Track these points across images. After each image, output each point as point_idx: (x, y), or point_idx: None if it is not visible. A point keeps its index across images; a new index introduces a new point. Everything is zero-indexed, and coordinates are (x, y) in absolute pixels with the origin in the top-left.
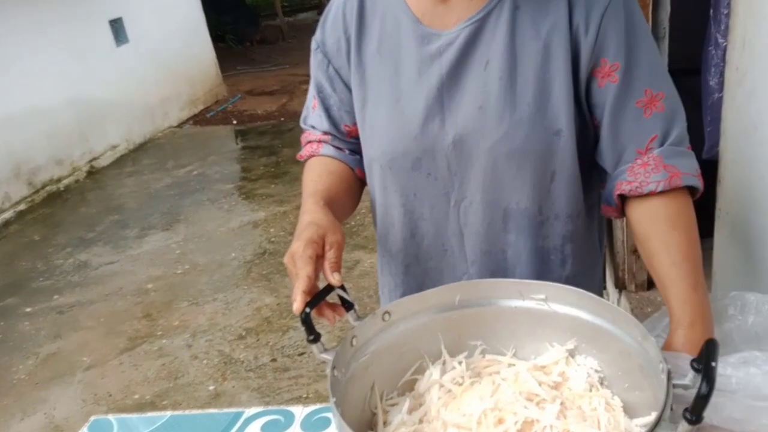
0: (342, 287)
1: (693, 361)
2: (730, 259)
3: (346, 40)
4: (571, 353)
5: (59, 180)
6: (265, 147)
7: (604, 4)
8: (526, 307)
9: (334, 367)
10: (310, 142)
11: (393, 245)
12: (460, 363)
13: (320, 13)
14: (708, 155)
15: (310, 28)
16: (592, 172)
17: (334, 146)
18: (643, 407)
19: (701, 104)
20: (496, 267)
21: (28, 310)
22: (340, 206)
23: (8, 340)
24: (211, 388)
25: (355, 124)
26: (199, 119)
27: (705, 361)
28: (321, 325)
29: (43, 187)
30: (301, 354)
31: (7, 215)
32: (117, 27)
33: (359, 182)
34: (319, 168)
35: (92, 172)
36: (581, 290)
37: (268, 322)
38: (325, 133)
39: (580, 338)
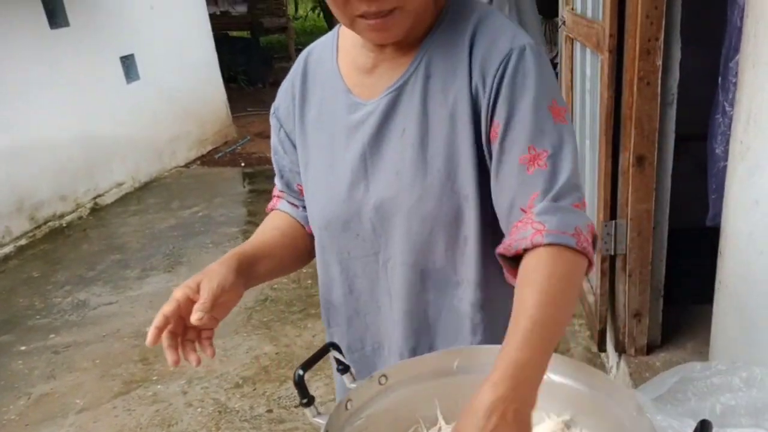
0: (338, 349)
1: None
2: (728, 330)
3: (294, 107)
4: (567, 424)
5: (62, 216)
6: (272, 191)
7: (497, 65)
8: None
9: (326, 431)
10: (274, 195)
11: (335, 299)
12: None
13: None
14: (711, 223)
15: None
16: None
17: (289, 202)
18: None
19: (707, 171)
20: (419, 326)
21: (23, 348)
22: (271, 261)
23: (0, 378)
24: None
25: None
26: (206, 160)
27: None
28: (318, 383)
29: (45, 223)
30: (298, 406)
31: (6, 250)
32: (128, 63)
33: (309, 238)
34: (267, 223)
35: (96, 209)
36: (579, 362)
37: (266, 371)
38: (281, 190)
39: (577, 409)
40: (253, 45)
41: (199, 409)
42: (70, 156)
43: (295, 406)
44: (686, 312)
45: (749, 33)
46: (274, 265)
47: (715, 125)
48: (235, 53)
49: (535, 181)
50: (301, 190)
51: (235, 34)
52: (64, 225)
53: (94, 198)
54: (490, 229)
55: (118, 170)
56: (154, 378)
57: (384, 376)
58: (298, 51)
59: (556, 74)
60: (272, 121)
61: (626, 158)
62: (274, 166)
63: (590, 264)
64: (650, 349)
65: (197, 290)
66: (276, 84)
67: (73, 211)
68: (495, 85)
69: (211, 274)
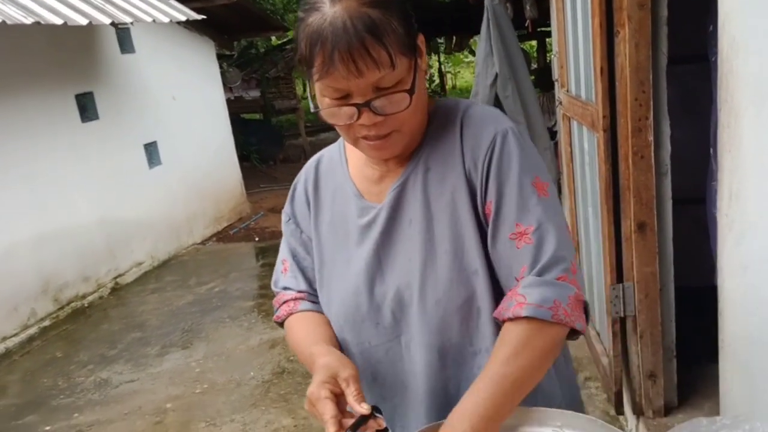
0: (378, 411)
1: None
2: (735, 387)
3: (308, 211)
4: None
5: (84, 296)
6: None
7: (485, 150)
8: None
9: None
10: (285, 302)
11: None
12: None
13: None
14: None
15: None
16: None
17: (310, 302)
18: None
19: (708, 232)
20: (441, 401)
21: (48, 428)
22: (339, 349)
23: None
24: None
25: None
26: (222, 236)
27: None
28: None
29: (68, 304)
30: None
31: (31, 331)
32: (151, 150)
33: None
34: (305, 324)
35: (116, 289)
36: (593, 418)
37: None
38: (300, 291)
39: None
40: (265, 124)
41: None
42: (94, 239)
43: None
44: (702, 372)
45: (724, 123)
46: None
47: (712, 191)
48: (248, 134)
49: (523, 255)
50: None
51: (248, 116)
52: (86, 305)
53: (115, 278)
54: (501, 297)
55: (138, 250)
56: None
57: None
58: (308, 129)
59: (556, 144)
60: (289, 227)
61: (628, 225)
62: (289, 270)
63: (574, 330)
64: (668, 410)
65: (336, 382)
66: (286, 161)
67: (95, 291)
68: (485, 168)
69: (338, 364)
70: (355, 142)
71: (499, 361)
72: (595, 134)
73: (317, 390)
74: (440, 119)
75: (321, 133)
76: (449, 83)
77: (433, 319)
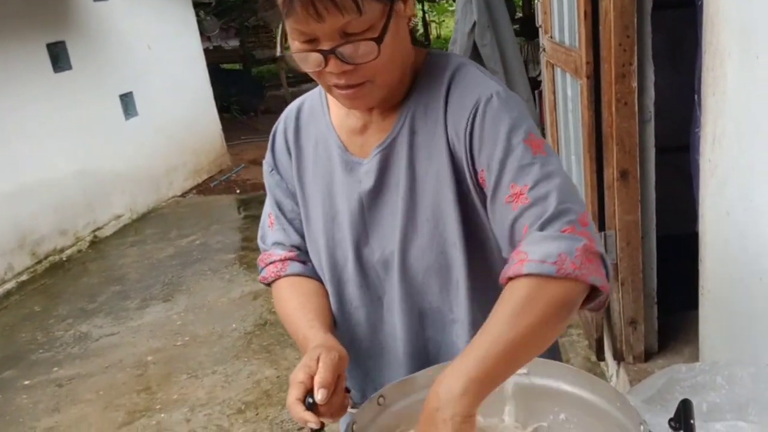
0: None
1: (670, 420)
2: (714, 332)
3: (290, 162)
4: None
5: (62, 250)
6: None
7: (465, 120)
8: (511, 380)
9: None
10: (272, 262)
11: None
12: None
13: None
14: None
15: None
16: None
17: (300, 261)
18: None
19: (691, 179)
20: (421, 364)
21: (27, 383)
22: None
23: (5, 414)
24: None
25: None
26: (202, 189)
27: (684, 419)
28: None
29: (45, 258)
30: (301, 429)
31: (8, 286)
32: (127, 101)
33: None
34: (296, 294)
35: (95, 242)
36: (562, 363)
37: (268, 395)
38: (292, 247)
39: (562, 408)
40: (245, 76)
41: None
42: (71, 192)
43: (298, 429)
44: (682, 318)
45: (708, 66)
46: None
47: (695, 138)
48: (227, 84)
49: (521, 216)
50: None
51: (227, 66)
52: (65, 259)
53: (94, 231)
54: (482, 273)
55: (117, 203)
56: (158, 407)
57: (382, 396)
58: (289, 80)
59: (540, 93)
60: (273, 177)
61: (610, 173)
62: (275, 223)
63: (589, 284)
64: (648, 356)
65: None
66: (268, 112)
67: (73, 245)
68: (467, 137)
69: (323, 346)
70: (329, 90)
71: (498, 321)
72: (578, 81)
73: (295, 372)
74: (430, 74)
75: (303, 84)
76: (433, 33)
77: (413, 282)
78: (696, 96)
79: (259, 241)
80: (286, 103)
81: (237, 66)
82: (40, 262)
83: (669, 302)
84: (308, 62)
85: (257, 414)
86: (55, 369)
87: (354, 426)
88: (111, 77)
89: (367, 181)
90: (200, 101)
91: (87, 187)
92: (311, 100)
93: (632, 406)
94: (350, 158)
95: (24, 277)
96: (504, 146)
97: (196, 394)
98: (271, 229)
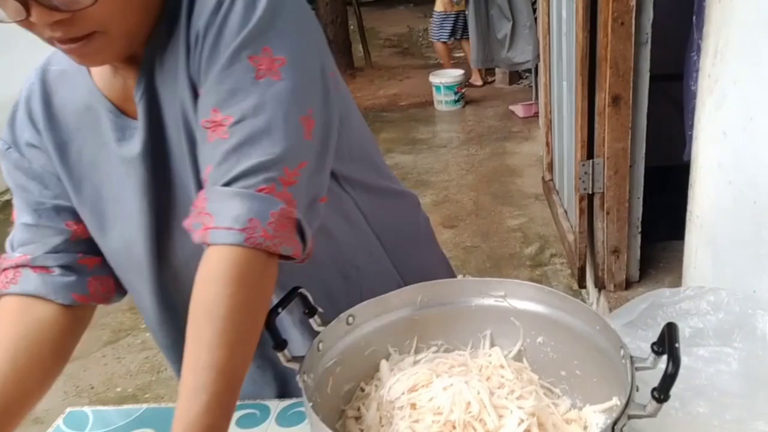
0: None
1: (653, 344)
2: (700, 259)
3: (40, 136)
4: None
5: None
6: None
7: (196, 31)
8: (486, 304)
9: (303, 373)
10: (4, 270)
11: (153, 327)
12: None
13: None
14: (688, 158)
15: None
16: None
17: (37, 269)
18: (601, 394)
19: (683, 109)
20: None
21: None
22: (15, 416)
23: None
24: None
25: (80, 221)
26: None
27: (669, 342)
28: None
29: None
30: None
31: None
32: None
33: (76, 315)
34: (4, 339)
35: None
36: (540, 285)
37: None
38: (38, 247)
39: (539, 331)
40: None
41: None
42: None
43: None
44: (664, 248)
45: None
46: (21, 413)
47: (691, 63)
48: None
49: (213, 152)
50: (75, 232)
51: None
52: None
53: None
54: None
55: None
56: (143, 326)
57: (351, 316)
58: None
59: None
60: (10, 157)
61: (602, 98)
62: (20, 216)
63: (280, 254)
64: (629, 284)
65: None
66: None
67: None
68: (200, 48)
69: None
70: (52, 45)
71: (211, 347)
72: None
73: None
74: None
75: None
76: None
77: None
78: (694, 17)
79: (7, 246)
80: None
81: None
82: None
83: (652, 233)
84: (6, 10)
85: None
86: None
87: (320, 345)
88: None
89: (144, 147)
90: None
91: None
92: (60, 58)
93: (612, 329)
94: (123, 121)
95: None
96: (223, 57)
97: None
98: (18, 230)
